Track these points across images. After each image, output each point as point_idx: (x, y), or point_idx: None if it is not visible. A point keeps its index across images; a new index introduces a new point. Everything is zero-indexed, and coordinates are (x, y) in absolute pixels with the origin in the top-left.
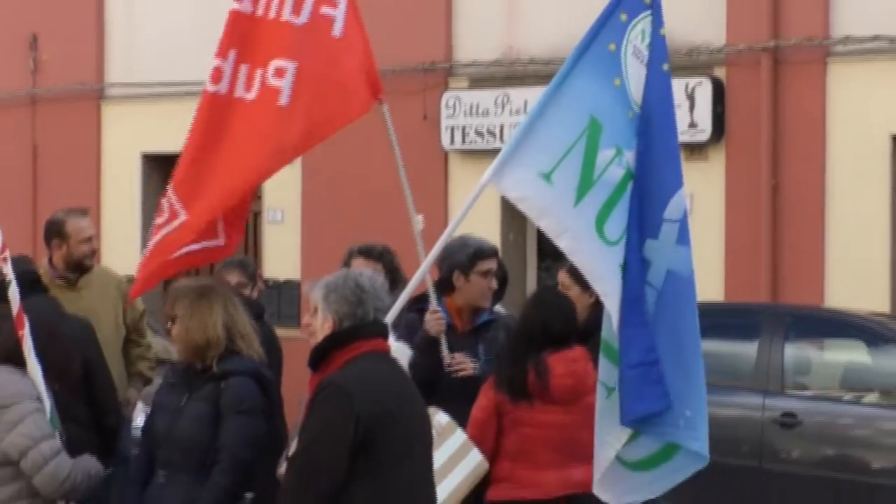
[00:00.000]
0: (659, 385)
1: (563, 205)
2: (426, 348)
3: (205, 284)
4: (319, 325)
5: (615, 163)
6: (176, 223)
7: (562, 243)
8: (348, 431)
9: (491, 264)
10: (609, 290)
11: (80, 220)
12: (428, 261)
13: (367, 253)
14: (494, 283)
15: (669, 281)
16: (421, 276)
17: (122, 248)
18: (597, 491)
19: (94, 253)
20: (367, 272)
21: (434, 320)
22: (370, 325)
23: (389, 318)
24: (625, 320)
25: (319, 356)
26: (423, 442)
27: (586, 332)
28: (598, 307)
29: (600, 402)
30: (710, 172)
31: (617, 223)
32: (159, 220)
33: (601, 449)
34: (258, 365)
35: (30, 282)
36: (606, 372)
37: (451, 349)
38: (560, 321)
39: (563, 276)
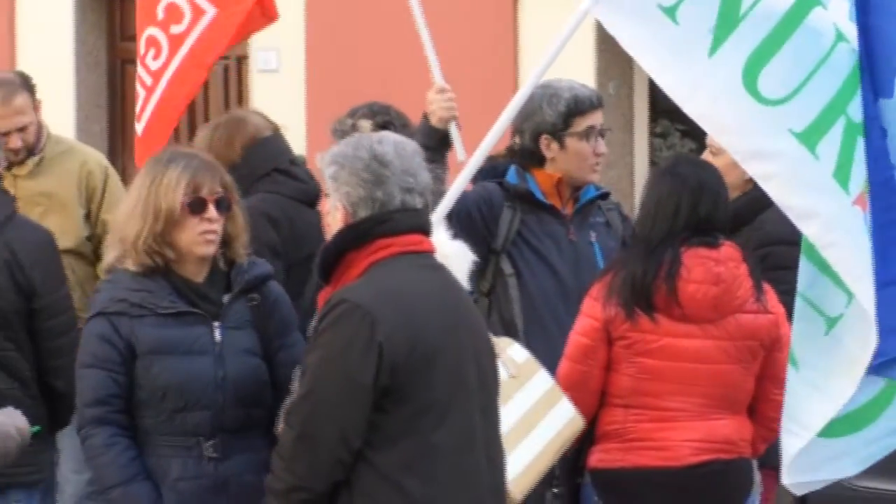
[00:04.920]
0: None
1: (692, 52)
2: (432, 146)
3: None
4: (330, 215)
5: None
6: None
7: (689, 107)
8: (368, 369)
9: (594, 119)
10: (774, 167)
11: None
12: (502, 120)
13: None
14: (602, 146)
15: None
16: (492, 142)
17: None
18: (787, 477)
19: None
20: (392, 136)
21: (443, 100)
22: (396, 215)
23: (444, 207)
24: (876, 217)
25: (331, 260)
26: (482, 387)
27: (739, 218)
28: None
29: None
30: None
31: (781, 74)
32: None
33: (804, 403)
34: None
35: None
36: (812, 284)
37: (553, 235)
38: (706, 204)
39: (713, 138)
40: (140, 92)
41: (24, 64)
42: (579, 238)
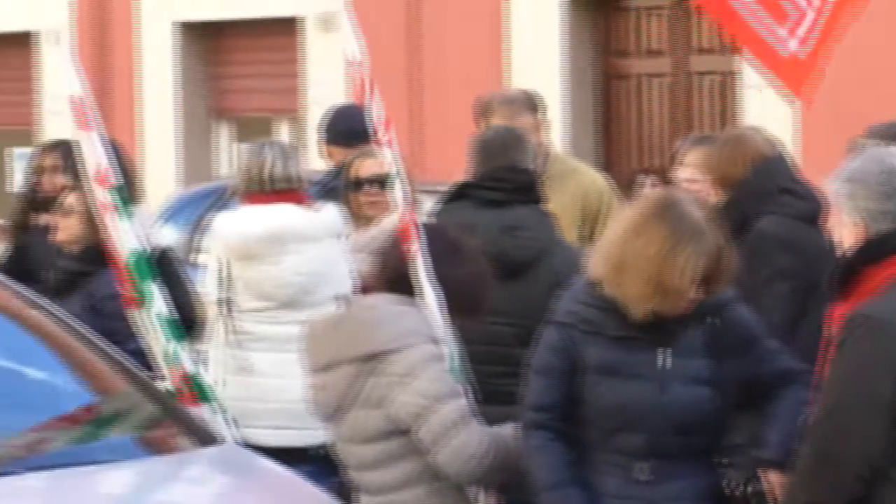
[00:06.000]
0: None
1: None
2: None
3: None
4: (845, 231)
5: None
6: None
7: None
8: (890, 385)
9: None
10: None
11: None
12: None
13: None
14: None
15: None
16: None
17: None
18: None
19: None
20: None
21: None
22: None
23: None
24: None
25: (846, 276)
26: None
27: None
28: None
29: None
30: None
31: None
32: None
33: None
34: None
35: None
36: None
37: None
38: None
39: None
40: (805, 11)
41: (512, 81)
42: None
